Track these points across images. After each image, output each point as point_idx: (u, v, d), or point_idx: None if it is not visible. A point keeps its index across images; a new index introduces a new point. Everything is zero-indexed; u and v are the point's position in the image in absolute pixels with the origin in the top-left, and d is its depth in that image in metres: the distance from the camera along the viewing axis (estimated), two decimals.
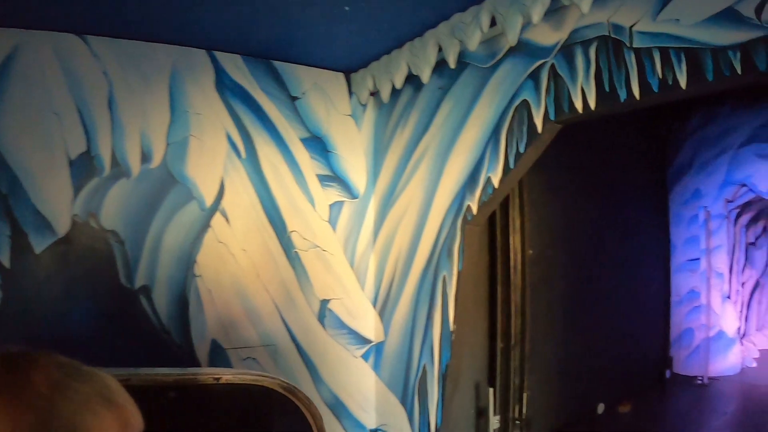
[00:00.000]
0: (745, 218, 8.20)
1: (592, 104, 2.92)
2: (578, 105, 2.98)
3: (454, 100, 3.74)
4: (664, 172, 8.09)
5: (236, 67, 3.96)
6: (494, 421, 4.37)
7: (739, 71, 2.31)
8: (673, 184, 8.03)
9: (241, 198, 3.93)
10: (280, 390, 1.69)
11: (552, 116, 3.13)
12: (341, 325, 4.27)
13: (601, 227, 6.13)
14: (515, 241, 4.68)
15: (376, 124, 4.42)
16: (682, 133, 8.00)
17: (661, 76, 2.58)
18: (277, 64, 4.11)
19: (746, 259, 8.54)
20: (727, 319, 7.73)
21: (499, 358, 4.53)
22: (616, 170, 6.57)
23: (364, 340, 4.35)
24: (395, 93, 4.12)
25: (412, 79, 3.91)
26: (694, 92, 2.59)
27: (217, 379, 1.67)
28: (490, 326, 4.60)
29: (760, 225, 8.79)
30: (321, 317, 4.20)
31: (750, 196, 7.64)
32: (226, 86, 3.90)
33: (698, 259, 7.67)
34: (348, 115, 4.40)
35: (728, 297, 7.80)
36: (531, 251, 4.81)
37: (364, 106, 4.43)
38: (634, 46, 2.67)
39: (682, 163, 7.96)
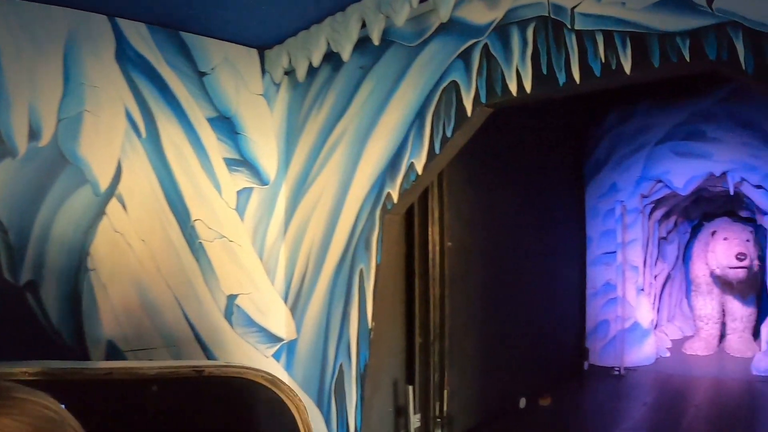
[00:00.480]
0: (659, 213, 8.36)
1: (528, 87, 2.80)
2: (512, 88, 2.84)
3: (375, 81, 3.53)
4: (581, 167, 8.16)
5: (140, 37, 3.61)
6: (414, 420, 4.19)
7: (687, 58, 2.27)
8: (590, 179, 8.09)
9: (141, 182, 3.59)
10: (264, 382, 1.70)
11: (483, 99, 2.99)
12: (250, 322, 3.99)
13: (519, 219, 6.06)
14: (434, 232, 4.54)
15: (289, 105, 4.16)
16: (600, 128, 8.08)
17: (603, 60, 2.50)
18: (185, 35, 3.79)
19: (659, 252, 8.71)
20: (642, 310, 7.85)
21: (417, 354, 4.37)
22: (534, 163, 6.53)
23: (274, 339, 4.09)
24: (312, 72, 3.88)
25: (331, 57, 3.69)
26: (638, 78, 2.54)
27: (200, 371, 1.66)
28: (408, 321, 4.42)
29: (672, 220, 8.99)
30: (228, 314, 3.91)
31: (664, 192, 7.78)
32: (127, 57, 3.56)
33: (614, 252, 7.74)
34: (260, 95, 4.11)
35: (642, 289, 7.92)
36: (450, 243, 4.66)
37: (278, 85, 4.16)
38: (576, 27, 2.56)
39: (599, 158, 8.03)
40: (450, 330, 4.55)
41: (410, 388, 4.21)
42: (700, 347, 8.27)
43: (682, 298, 9.68)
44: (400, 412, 4.21)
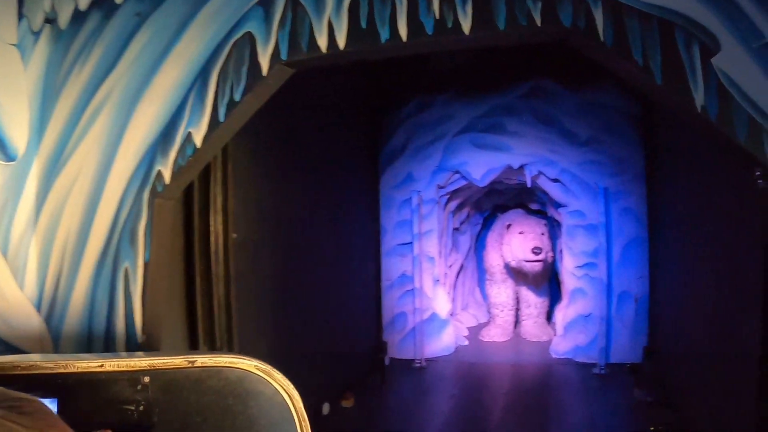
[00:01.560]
0: (453, 204, 8.39)
1: (341, 43, 2.37)
2: (322, 43, 2.42)
3: (153, 31, 2.88)
4: (377, 155, 7.97)
5: None
6: None
7: (538, 23, 2.06)
8: (386, 167, 7.91)
9: None
10: (257, 372, 1.71)
11: (283, 55, 2.51)
12: None
13: (312, 208, 5.66)
14: (217, 222, 3.98)
15: (49, 59, 3.31)
16: (398, 116, 7.92)
17: (438, 16, 2.17)
18: None
19: (453, 243, 8.78)
20: (439, 301, 7.84)
21: None
22: (330, 148, 6.17)
23: None
24: (79, 18, 3.09)
25: (104, 0, 3.01)
26: (479, 40, 2.23)
27: (192, 362, 1.70)
28: (191, 329, 3.82)
29: (465, 211, 9.11)
30: None
31: (460, 183, 7.80)
32: None
33: (410, 243, 7.62)
34: (13, 45, 3.28)
35: (438, 280, 7.90)
36: (235, 235, 4.13)
37: (37, 34, 3.29)
38: None
39: (396, 146, 7.87)
40: (239, 335, 4.03)
41: None
42: (497, 334, 8.48)
43: (475, 287, 9.91)
44: None
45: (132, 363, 1.65)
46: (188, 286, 3.86)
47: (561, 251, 7.90)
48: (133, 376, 1.63)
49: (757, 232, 3.31)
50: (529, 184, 7.46)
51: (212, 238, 3.93)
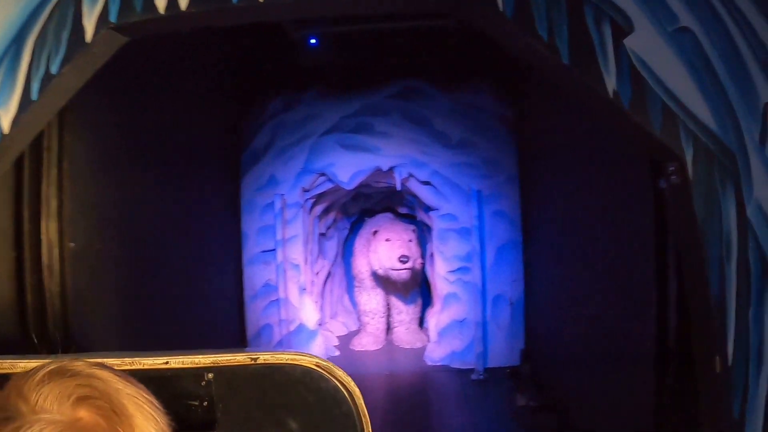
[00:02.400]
0: (319, 209, 7.95)
1: (183, 3, 1.87)
2: (160, 1, 1.94)
3: None
4: (238, 155, 7.37)
5: None
6: None
7: None
8: (248, 169, 7.34)
9: None
10: (319, 369, 1.68)
11: (113, 17, 2.03)
12: None
13: (165, 213, 5.01)
14: (50, 230, 3.36)
15: None
16: (262, 114, 7.37)
17: None
18: None
19: (319, 249, 8.34)
20: (306, 311, 7.37)
21: None
22: (185, 146, 5.54)
23: None
24: None
25: None
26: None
27: (255, 359, 1.68)
28: (24, 353, 3.14)
29: (331, 216, 8.69)
30: None
31: (327, 187, 7.38)
32: None
33: (273, 250, 7.10)
34: None
35: (305, 289, 7.45)
36: (73, 244, 3.50)
37: None
38: None
39: (258, 146, 7.31)
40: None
41: None
42: (368, 342, 8.15)
43: (344, 294, 9.52)
44: None
45: (196, 360, 1.66)
46: (19, 304, 3.25)
47: (432, 255, 7.67)
48: (197, 372, 1.62)
49: (649, 232, 3.15)
50: (398, 187, 7.15)
51: (44, 248, 3.32)
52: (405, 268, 7.37)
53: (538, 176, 6.28)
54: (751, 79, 2.19)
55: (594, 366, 4.51)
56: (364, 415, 1.68)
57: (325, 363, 1.73)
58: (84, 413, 0.86)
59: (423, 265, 7.81)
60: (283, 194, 7.05)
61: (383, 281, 7.88)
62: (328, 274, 8.89)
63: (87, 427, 0.85)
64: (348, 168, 7.01)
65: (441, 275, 7.17)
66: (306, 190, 7.31)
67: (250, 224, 7.30)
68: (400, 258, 7.30)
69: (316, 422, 1.69)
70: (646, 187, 3.01)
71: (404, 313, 8.20)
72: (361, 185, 7.46)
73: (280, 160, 7.17)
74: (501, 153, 6.93)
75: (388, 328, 8.41)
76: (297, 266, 7.31)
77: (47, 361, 0.94)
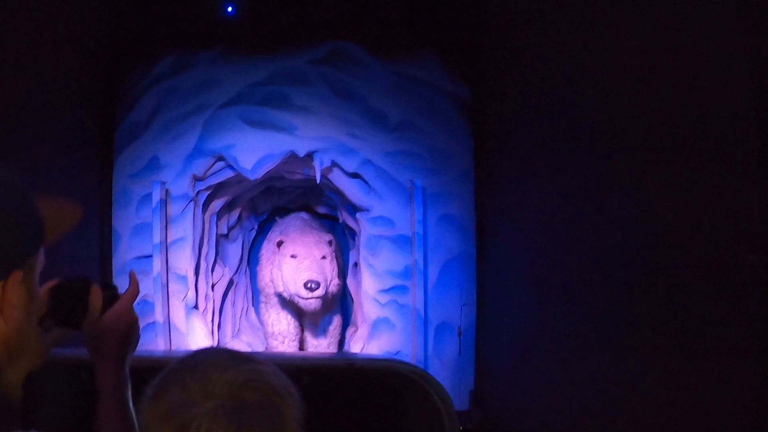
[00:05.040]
0: (218, 204, 6.23)
1: None
2: None
3: None
4: (111, 131, 5.64)
5: None
6: None
7: None
8: (123, 148, 5.59)
9: None
10: (413, 376, 1.76)
11: None
12: None
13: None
14: None
15: None
16: (144, 78, 5.63)
17: None
18: None
19: (217, 254, 6.61)
20: (195, 336, 5.68)
21: None
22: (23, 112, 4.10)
23: None
24: None
25: None
26: None
27: (351, 365, 1.81)
28: None
29: (236, 213, 6.94)
30: None
31: (227, 175, 5.73)
32: None
33: (150, 256, 5.39)
34: None
35: (195, 307, 5.77)
36: None
37: None
38: None
39: (138, 119, 5.57)
40: None
41: None
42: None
43: (249, 307, 7.78)
44: None
45: (295, 363, 1.89)
46: None
47: (356, 266, 6.12)
48: (295, 375, 1.39)
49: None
50: (318, 180, 5.54)
51: None
52: (314, 297, 5.67)
53: (500, 172, 5.09)
54: None
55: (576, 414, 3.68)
56: (455, 425, 1.77)
57: (421, 372, 1.91)
58: (249, 395, 0.99)
59: (341, 286, 6.14)
60: (165, 182, 5.34)
61: (291, 304, 6.17)
62: (230, 284, 7.18)
63: (253, 408, 0.97)
64: (253, 151, 5.36)
65: (369, 295, 5.60)
66: (199, 179, 5.62)
67: (124, 221, 5.56)
68: (307, 284, 5.55)
69: (408, 428, 1.78)
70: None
71: (322, 337, 6.51)
72: (272, 177, 5.88)
73: (165, 138, 5.47)
74: (452, 141, 5.45)
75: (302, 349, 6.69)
76: (184, 278, 5.61)
77: (195, 351, 1.07)
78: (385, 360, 1.92)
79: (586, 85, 3.51)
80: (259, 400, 0.98)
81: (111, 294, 1.37)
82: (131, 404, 1.25)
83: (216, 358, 1.03)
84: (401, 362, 1.87)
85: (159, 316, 5.37)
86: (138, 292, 1.39)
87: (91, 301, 1.30)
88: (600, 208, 3.47)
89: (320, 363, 1.91)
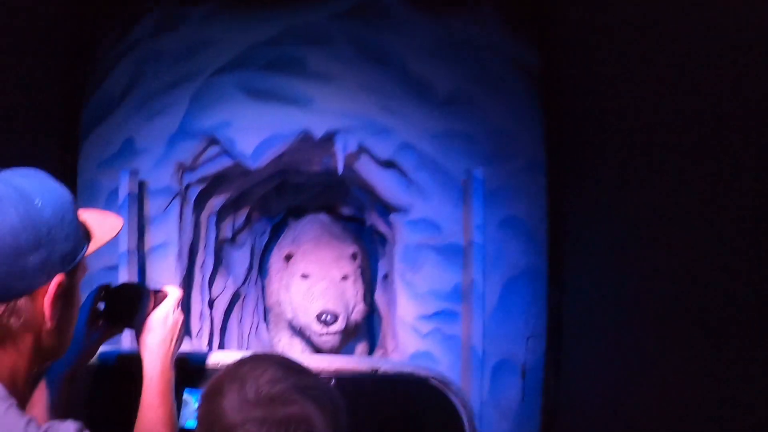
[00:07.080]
0: (217, 201, 4.99)
1: None
2: None
3: None
4: (77, 107, 4.42)
5: None
6: None
7: None
8: (92, 129, 4.36)
9: None
10: (436, 383, 1.81)
11: None
12: None
13: None
14: None
15: None
16: (121, 41, 4.41)
17: None
18: None
19: (219, 263, 5.38)
20: None
21: None
22: None
23: None
24: None
25: None
26: None
27: (376, 370, 1.82)
28: None
29: (243, 213, 5.69)
30: None
31: (224, 164, 4.48)
32: None
33: (116, 267, 4.16)
34: None
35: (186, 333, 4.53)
36: None
37: None
38: None
39: (111, 92, 4.34)
40: None
41: None
42: None
43: (260, 323, 6.58)
44: None
45: (321, 367, 1.79)
46: None
47: (386, 279, 4.86)
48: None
49: None
50: (340, 170, 4.27)
51: None
52: (330, 333, 4.36)
53: (582, 163, 3.86)
54: None
55: None
56: (475, 427, 1.83)
57: (443, 378, 1.91)
58: (295, 409, 1.09)
59: (368, 310, 4.85)
60: (137, 171, 4.10)
61: (304, 335, 4.86)
62: (235, 297, 5.96)
63: (299, 422, 1.07)
64: (254, 131, 4.07)
65: (407, 322, 4.29)
66: (187, 168, 4.38)
67: None
68: (321, 316, 4.28)
69: None
70: None
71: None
72: (283, 168, 4.65)
73: (141, 115, 4.23)
74: (518, 122, 4.15)
75: None
76: None
77: (251, 357, 1.22)
78: (409, 365, 1.71)
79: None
80: (315, 406, 1.10)
81: (159, 295, 1.74)
82: (174, 396, 1.50)
83: (269, 365, 1.16)
84: (425, 368, 1.81)
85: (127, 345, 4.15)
86: (182, 294, 1.75)
87: (142, 302, 1.64)
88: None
89: (346, 367, 1.79)
